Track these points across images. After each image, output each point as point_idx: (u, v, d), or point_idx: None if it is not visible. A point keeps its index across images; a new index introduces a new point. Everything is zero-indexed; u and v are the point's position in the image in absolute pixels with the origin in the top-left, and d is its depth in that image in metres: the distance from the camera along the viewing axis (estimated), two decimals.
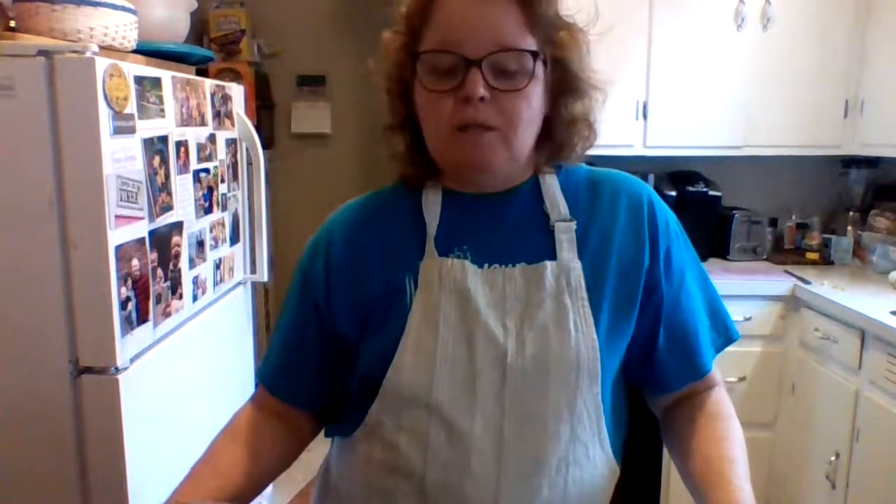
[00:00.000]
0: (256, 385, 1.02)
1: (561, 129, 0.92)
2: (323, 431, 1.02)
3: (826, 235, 2.88)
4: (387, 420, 0.90)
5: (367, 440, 0.92)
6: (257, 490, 0.95)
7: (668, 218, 0.96)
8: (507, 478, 0.86)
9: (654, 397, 1.01)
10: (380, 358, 0.89)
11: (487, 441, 0.86)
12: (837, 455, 2.20)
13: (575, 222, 0.92)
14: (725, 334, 0.99)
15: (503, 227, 0.93)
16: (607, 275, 0.90)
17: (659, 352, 0.94)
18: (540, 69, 0.87)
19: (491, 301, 0.88)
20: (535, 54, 0.85)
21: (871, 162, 2.88)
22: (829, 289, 2.38)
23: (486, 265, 0.90)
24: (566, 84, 0.90)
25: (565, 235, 0.91)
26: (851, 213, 2.92)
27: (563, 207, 0.93)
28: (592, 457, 0.90)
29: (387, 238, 0.94)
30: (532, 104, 0.87)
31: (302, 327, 0.97)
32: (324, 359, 0.97)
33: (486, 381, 0.86)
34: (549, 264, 0.89)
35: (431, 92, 0.86)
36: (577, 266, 0.89)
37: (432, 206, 0.94)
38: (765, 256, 2.88)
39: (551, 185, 0.94)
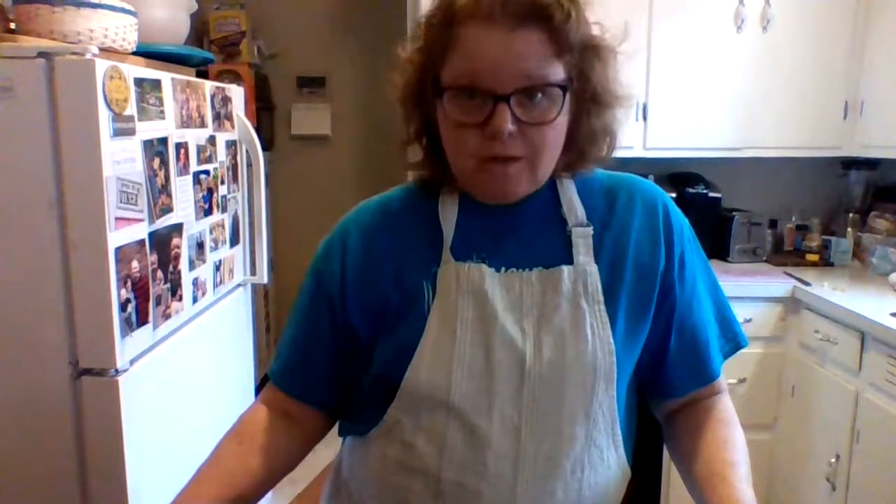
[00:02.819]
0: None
1: (582, 141, 0.91)
2: (337, 429, 1.02)
3: (826, 237, 2.88)
4: (405, 419, 0.90)
5: (383, 438, 0.92)
6: (262, 492, 0.95)
7: (682, 223, 0.96)
8: (524, 480, 0.87)
9: (659, 401, 1.01)
10: (397, 359, 0.89)
11: (505, 443, 0.86)
12: (838, 457, 2.20)
13: (592, 227, 0.91)
14: (734, 341, 0.99)
15: (520, 232, 0.92)
16: (623, 279, 0.90)
17: (669, 357, 0.95)
18: (568, 97, 0.84)
19: (508, 304, 0.88)
20: (563, 88, 0.83)
21: (871, 163, 2.88)
22: (829, 290, 2.38)
23: (503, 269, 0.90)
24: (591, 99, 0.88)
25: (582, 240, 0.91)
26: (851, 215, 2.92)
27: (581, 212, 0.92)
28: (606, 459, 0.91)
29: (403, 242, 0.94)
30: (558, 131, 0.86)
31: (315, 324, 0.97)
32: (336, 355, 0.97)
33: (504, 383, 0.87)
34: (565, 269, 0.89)
35: (457, 124, 0.84)
36: (593, 270, 0.89)
37: (449, 211, 0.93)
38: (765, 258, 2.88)
39: (568, 189, 0.94)
